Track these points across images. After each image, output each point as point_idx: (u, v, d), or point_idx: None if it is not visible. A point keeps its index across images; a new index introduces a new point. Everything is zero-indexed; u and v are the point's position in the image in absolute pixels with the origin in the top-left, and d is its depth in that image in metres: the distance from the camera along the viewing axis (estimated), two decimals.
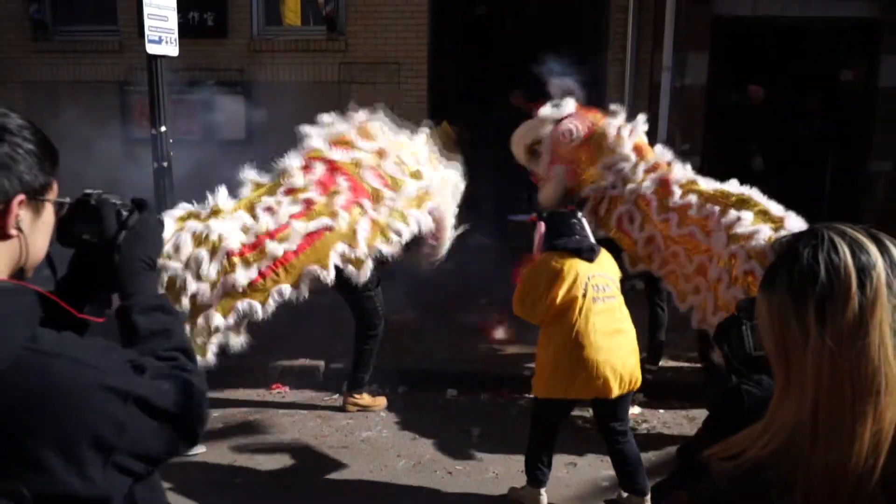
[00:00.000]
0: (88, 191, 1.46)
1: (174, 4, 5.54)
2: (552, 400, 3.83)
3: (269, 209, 4.24)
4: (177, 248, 3.96)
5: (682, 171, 4.81)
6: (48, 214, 1.30)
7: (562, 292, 3.68)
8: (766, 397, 1.18)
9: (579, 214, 4.03)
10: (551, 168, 5.17)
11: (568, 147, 5.05)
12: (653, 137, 7.60)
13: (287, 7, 8.55)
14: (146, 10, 5.27)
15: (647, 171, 4.84)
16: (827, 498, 0.97)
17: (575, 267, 3.72)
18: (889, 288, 0.99)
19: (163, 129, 5.47)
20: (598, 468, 4.37)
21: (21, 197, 1.22)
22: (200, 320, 4.02)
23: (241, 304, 4.09)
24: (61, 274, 1.46)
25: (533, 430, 3.97)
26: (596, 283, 3.74)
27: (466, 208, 7.84)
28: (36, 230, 1.27)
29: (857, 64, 8.24)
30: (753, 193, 4.47)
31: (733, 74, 8.20)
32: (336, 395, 5.40)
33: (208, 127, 8.06)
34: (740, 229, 4.21)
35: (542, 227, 3.93)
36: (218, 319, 4.04)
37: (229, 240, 4.06)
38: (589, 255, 3.79)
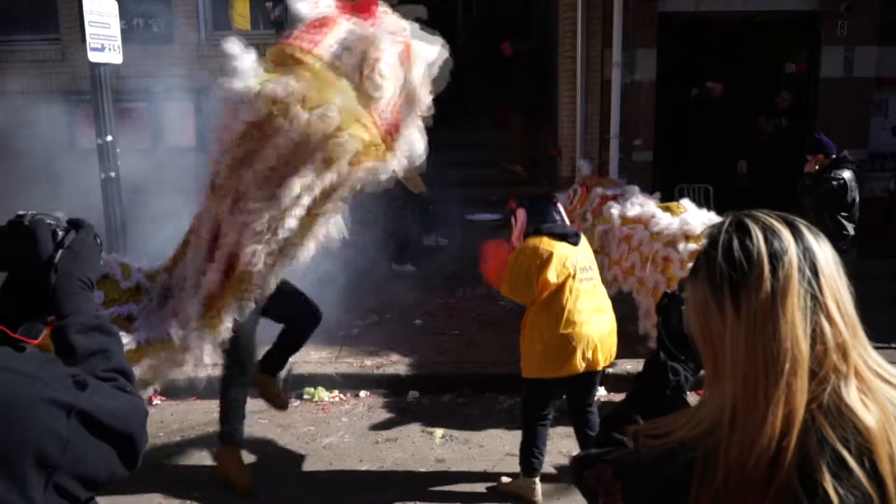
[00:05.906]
0: (21, 212, 1.42)
1: (116, 11, 5.43)
2: (544, 380, 3.90)
3: None
4: None
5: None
6: None
7: (555, 274, 3.81)
8: (691, 377, 1.20)
9: (555, 200, 4.14)
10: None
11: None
12: (605, 133, 7.71)
13: (236, 11, 8.42)
14: (87, 18, 5.16)
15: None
16: (744, 477, 0.99)
17: (563, 250, 3.86)
18: (801, 273, 1.02)
19: (109, 138, 5.36)
20: None
21: None
22: None
23: None
24: None
25: (526, 415, 4.05)
26: (581, 265, 3.91)
27: (421, 210, 7.82)
28: None
29: (800, 56, 8.45)
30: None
31: (682, 69, 8.32)
32: (297, 402, 5.35)
33: (157, 135, 7.91)
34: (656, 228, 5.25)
35: (521, 214, 4.02)
36: None
37: None
38: (574, 239, 3.95)
